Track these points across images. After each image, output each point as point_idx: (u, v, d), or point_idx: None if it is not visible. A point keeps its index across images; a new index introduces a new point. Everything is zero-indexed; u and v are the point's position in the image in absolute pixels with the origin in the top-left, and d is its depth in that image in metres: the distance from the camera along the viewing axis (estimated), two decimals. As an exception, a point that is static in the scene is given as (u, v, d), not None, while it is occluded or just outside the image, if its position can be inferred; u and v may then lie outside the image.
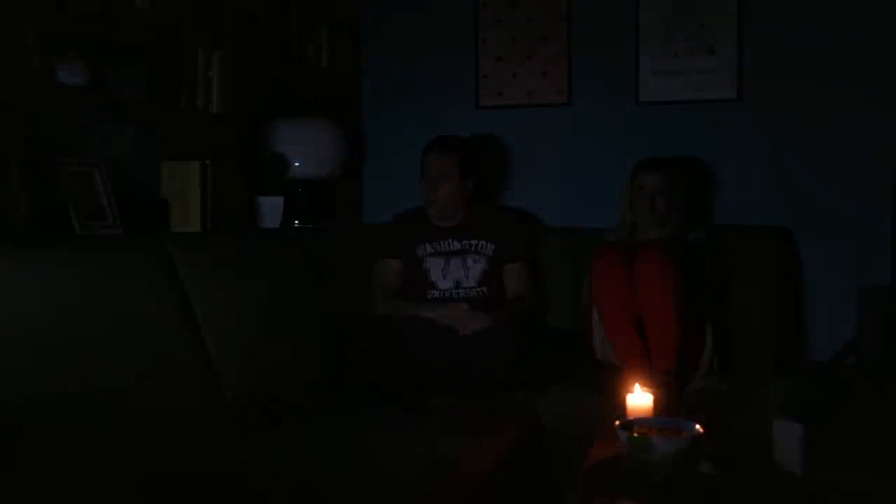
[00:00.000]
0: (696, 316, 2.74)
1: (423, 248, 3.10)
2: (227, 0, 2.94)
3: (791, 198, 3.27)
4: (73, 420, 1.81)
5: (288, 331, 2.57)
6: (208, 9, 2.85)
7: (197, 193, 2.77)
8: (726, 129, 3.34)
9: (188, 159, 2.81)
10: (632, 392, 2.17)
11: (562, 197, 3.53)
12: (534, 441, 2.51)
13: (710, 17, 3.33)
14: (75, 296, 1.94)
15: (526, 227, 3.34)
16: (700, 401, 2.56)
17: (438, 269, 3.07)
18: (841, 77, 3.20)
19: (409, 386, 2.56)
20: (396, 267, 3.11)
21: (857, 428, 2.17)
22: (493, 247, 3.10)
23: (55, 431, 1.78)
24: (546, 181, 3.56)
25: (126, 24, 2.55)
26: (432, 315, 2.88)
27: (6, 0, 2.15)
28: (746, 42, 3.30)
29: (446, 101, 3.66)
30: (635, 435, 1.86)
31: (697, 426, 1.91)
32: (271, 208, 3.14)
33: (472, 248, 3.10)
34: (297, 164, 3.28)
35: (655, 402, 2.17)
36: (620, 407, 2.18)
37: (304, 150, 3.31)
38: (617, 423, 1.94)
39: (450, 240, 3.11)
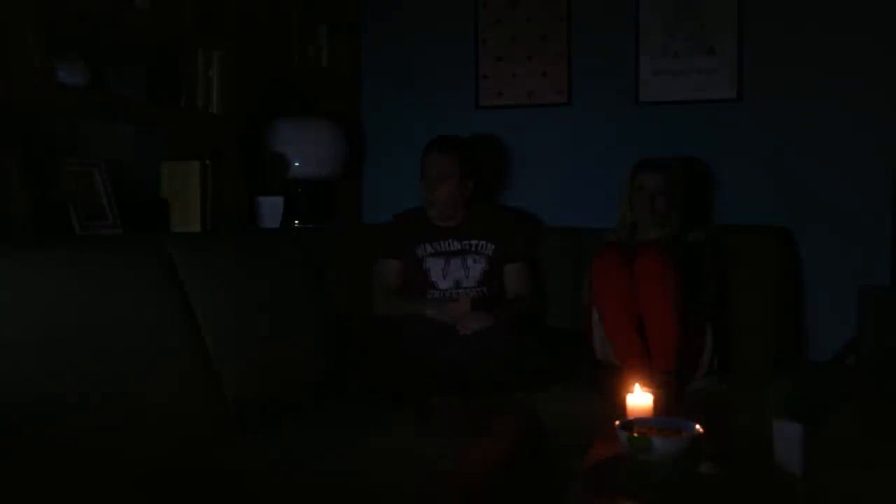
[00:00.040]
0: (696, 316, 2.74)
1: (423, 249, 3.10)
2: (227, 0, 2.94)
3: (791, 198, 3.27)
4: (72, 420, 1.81)
5: (288, 331, 2.57)
6: (208, 9, 2.85)
7: (197, 193, 2.77)
8: (726, 129, 3.35)
9: (188, 159, 2.81)
10: (632, 392, 2.17)
11: (562, 197, 3.53)
12: (534, 441, 2.51)
13: (710, 17, 3.33)
14: (75, 296, 1.94)
15: (526, 227, 3.34)
16: (700, 401, 2.56)
17: (438, 269, 3.07)
18: (841, 77, 3.20)
19: (409, 386, 2.56)
20: (396, 267, 3.11)
21: (857, 428, 2.17)
22: (493, 247, 3.10)
23: (55, 431, 1.78)
24: (546, 181, 3.56)
25: (126, 24, 2.55)
26: (433, 312, 2.89)
27: (6, 0, 2.15)
28: (746, 42, 3.30)
29: (446, 101, 3.66)
30: (635, 435, 1.86)
31: (697, 426, 1.91)
32: (271, 208, 3.14)
33: (473, 249, 3.10)
34: (297, 164, 3.29)
35: (655, 402, 2.17)
36: (620, 407, 2.18)
37: (304, 150, 3.31)
38: (617, 423, 1.94)
39: (450, 240, 3.11)
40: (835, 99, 3.21)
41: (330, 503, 1.81)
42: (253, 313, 2.46)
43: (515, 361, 2.69)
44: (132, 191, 2.74)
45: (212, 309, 2.32)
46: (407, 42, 3.72)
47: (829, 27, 3.21)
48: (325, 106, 3.59)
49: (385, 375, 2.65)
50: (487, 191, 3.48)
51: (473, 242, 3.11)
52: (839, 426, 2.07)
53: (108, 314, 2.00)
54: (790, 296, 3.22)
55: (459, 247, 3.10)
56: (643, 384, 2.21)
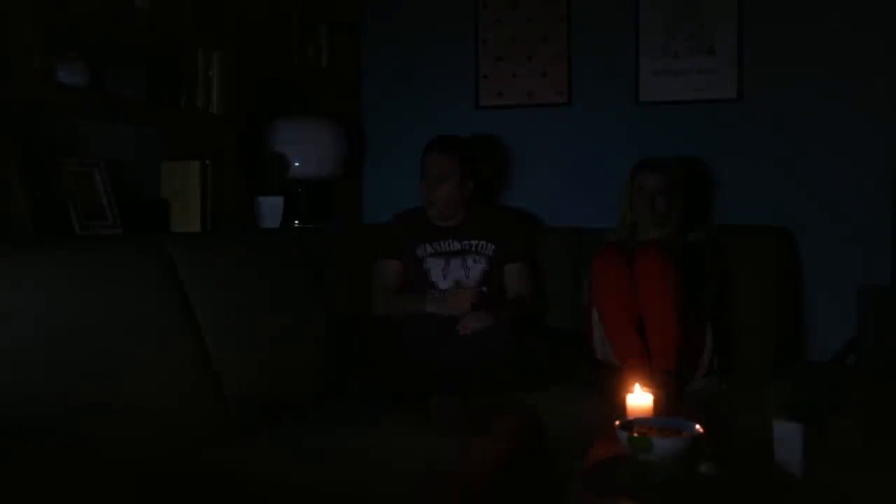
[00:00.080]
0: (696, 316, 2.74)
1: (423, 249, 3.10)
2: (227, 0, 2.94)
3: (791, 198, 3.27)
4: (72, 419, 1.81)
5: (288, 331, 2.57)
6: (208, 9, 2.85)
7: (197, 193, 2.77)
8: (726, 129, 3.34)
9: (188, 159, 2.81)
10: (632, 392, 2.17)
11: (562, 197, 3.53)
12: (534, 441, 2.51)
13: (710, 17, 3.33)
14: (75, 296, 1.94)
15: (526, 227, 3.34)
16: (700, 401, 2.56)
17: (439, 269, 3.07)
18: (841, 77, 3.20)
19: (409, 386, 2.56)
20: (396, 267, 3.10)
21: (857, 428, 2.17)
22: (493, 247, 3.10)
23: (54, 431, 1.78)
24: (546, 181, 3.56)
25: (126, 24, 2.55)
26: (433, 307, 2.89)
27: (6, 0, 2.15)
28: (746, 42, 3.30)
29: (446, 101, 3.66)
30: (635, 435, 1.86)
31: (697, 426, 1.91)
32: (271, 208, 3.14)
33: (473, 249, 3.10)
34: (297, 164, 3.29)
35: (655, 402, 2.17)
36: (620, 407, 2.18)
37: (304, 150, 3.31)
38: (617, 423, 1.94)
39: (450, 240, 3.11)
40: (835, 99, 3.21)
41: (330, 503, 1.81)
42: (253, 313, 2.46)
43: (515, 361, 2.69)
44: (132, 191, 2.74)
45: (212, 309, 2.32)
46: (407, 42, 3.72)
47: (829, 27, 3.21)
48: (325, 106, 3.59)
49: (385, 375, 2.65)
50: (487, 191, 3.48)
51: (473, 242, 3.11)
52: (839, 426, 2.07)
53: (108, 314, 2.00)
54: (790, 296, 3.22)
55: (459, 247, 3.10)
56: (643, 384, 2.21)
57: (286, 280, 2.69)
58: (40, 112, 2.43)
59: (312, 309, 2.73)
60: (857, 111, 3.18)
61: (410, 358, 2.68)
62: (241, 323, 2.40)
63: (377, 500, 1.82)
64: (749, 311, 3.03)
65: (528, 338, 2.81)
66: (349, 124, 3.59)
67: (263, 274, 2.59)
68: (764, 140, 3.30)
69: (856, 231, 3.19)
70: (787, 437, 1.83)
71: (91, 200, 2.46)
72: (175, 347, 2.16)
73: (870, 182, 3.16)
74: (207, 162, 2.81)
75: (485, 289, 3.05)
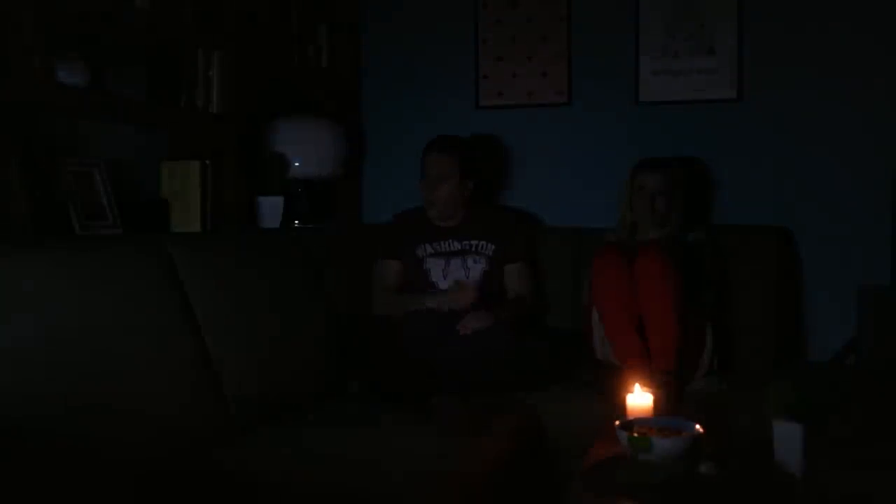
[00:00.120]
0: (696, 316, 2.74)
1: (423, 249, 3.10)
2: (227, 0, 2.94)
3: (791, 198, 3.27)
4: (72, 419, 1.81)
5: (288, 331, 2.57)
6: (208, 9, 2.85)
7: (197, 193, 2.77)
8: (726, 129, 3.35)
9: (188, 159, 2.81)
10: (632, 392, 2.17)
11: (562, 197, 3.53)
12: (534, 441, 2.51)
13: (710, 17, 3.33)
14: (75, 296, 1.94)
15: (526, 227, 3.34)
16: (700, 401, 2.56)
17: (439, 269, 3.07)
18: (841, 77, 3.20)
19: (409, 386, 2.56)
20: (396, 267, 3.11)
21: (857, 428, 2.17)
22: (493, 247, 3.10)
23: (54, 431, 1.77)
24: (546, 181, 3.56)
25: (126, 24, 2.55)
26: (434, 302, 2.89)
27: (6, 0, 2.15)
28: (746, 42, 3.30)
29: (446, 101, 3.66)
30: (635, 435, 1.86)
31: (697, 426, 1.91)
32: (271, 208, 3.14)
33: (473, 249, 3.10)
34: (297, 164, 3.28)
35: (655, 402, 2.17)
36: (620, 407, 2.18)
37: (304, 150, 3.30)
38: (617, 423, 1.94)
39: (450, 240, 3.11)
40: (835, 99, 3.21)
41: (330, 503, 1.81)
42: (253, 313, 2.46)
43: (515, 361, 2.69)
44: (132, 191, 2.74)
45: (212, 309, 2.32)
46: (407, 42, 3.72)
47: (829, 27, 3.21)
48: (325, 106, 3.59)
49: (385, 375, 2.65)
50: (487, 191, 3.48)
51: (473, 243, 3.11)
52: (839, 426, 2.07)
53: (108, 314, 1.99)
54: (790, 296, 3.22)
55: (459, 247, 3.10)
56: (643, 384, 2.21)
57: (286, 280, 2.69)
58: (40, 112, 2.43)
59: (312, 309, 2.73)
60: (857, 111, 3.18)
61: (410, 358, 2.68)
62: (241, 323, 2.40)
63: (377, 500, 1.82)
64: (749, 311, 3.03)
65: (528, 338, 2.81)
66: (349, 124, 3.59)
67: (263, 274, 2.59)
68: (764, 140, 3.30)
69: (856, 231, 3.19)
70: (787, 437, 1.83)
71: (91, 200, 2.46)
72: (175, 347, 2.16)
73: (870, 182, 3.16)
74: (207, 162, 2.81)
75: (485, 289, 3.04)
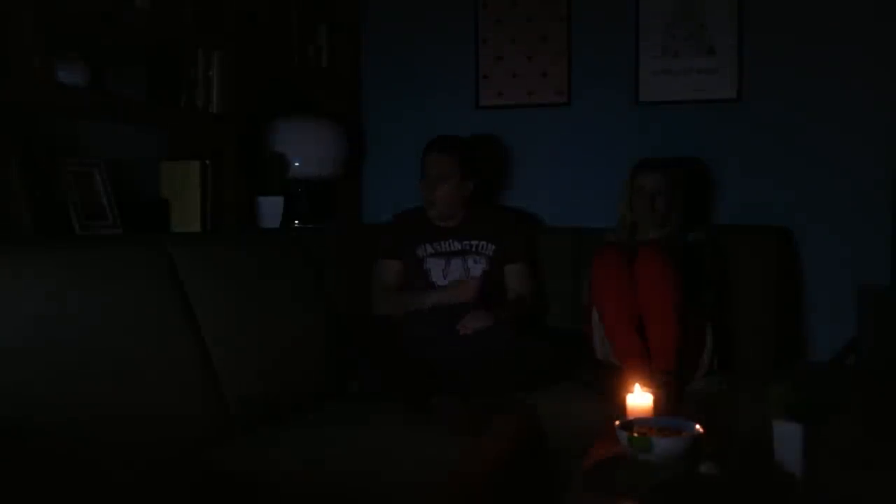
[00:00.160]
0: (696, 316, 2.74)
1: (423, 249, 3.09)
2: (227, 0, 2.94)
3: (791, 198, 3.27)
4: (72, 419, 1.81)
5: (288, 331, 2.57)
6: (208, 9, 2.85)
7: (197, 193, 2.77)
8: (726, 129, 3.35)
9: (188, 159, 2.81)
10: (632, 392, 2.17)
11: (562, 197, 3.53)
12: (534, 441, 2.51)
13: (710, 16, 3.33)
14: (75, 296, 1.94)
15: (526, 227, 3.34)
16: (700, 401, 2.56)
17: (439, 269, 3.07)
18: (841, 77, 3.20)
19: (409, 386, 2.56)
20: (396, 268, 3.10)
21: (857, 428, 2.17)
22: (493, 247, 3.10)
23: (54, 431, 1.78)
24: (546, 181, 3.56)
25: (126, 24, 2.55)
26: (434, 299, 2.89)
27: (6, 0, 2.15)
28: (746, 42, 3.30)
29: (446, 101, 3.65)
30: (635, 435, 1.86)
31: (697, 426, 1.91)
32: (271, 208, 3.14)
33: (473, 249, 3.10)
34: (297, 164, 3.28)
35: (655, 402, 2.17)
36: (620, 407, 2.18)
37: (304, 150, 3.31)
38: (617, 423, 1.94)
39: (450, 240, 3.11)
40: (835, 98, 3.21)
41: (330, 503, 1.81)
42: (253, 313, 2.46)
43: (515, 361, 2.69)
44: (132, 191, 2.74)
45: (212, 309, 2.32)
46: (407, 42, 3.72)
47: (829, 27, 3.21)
48: (325, 106, 3.59)
49: (385, 375, 2.65)
50: (487, 191, 3.48)
51: (474, 243, 3.11)
52: (839, 426, 2.07)
53: (108, 314, 2.00)
54: (790, 296, 3.22)
55: (460, 247, 3.10)
56: (643, 384, 2.21)
57: (286, 280, 2.69)
58: (40, 112, 2.43)
59: (312, 309, 2.73)
60: (858, 110, 3.18)
61: (410, 358, 2.68)
62: (241, 323, 2.41)
63: (377, 500, 1.83)
64: (749, 311, 3.03)
65: (528, 338, 2.82)
66: (349, 124, 3.59)
67: (263, 274, 2.60)
68: (764, 140, 3.30)
69: (856, 231, 3.19)
70: (787, 437, 1.83)
71: (91, 200, 2.46)
72: (175, 347, 2.16)
73: (870, 182, 3.16)
74: (207, 162, 2.81)
75: (485, 289, 3.04)
